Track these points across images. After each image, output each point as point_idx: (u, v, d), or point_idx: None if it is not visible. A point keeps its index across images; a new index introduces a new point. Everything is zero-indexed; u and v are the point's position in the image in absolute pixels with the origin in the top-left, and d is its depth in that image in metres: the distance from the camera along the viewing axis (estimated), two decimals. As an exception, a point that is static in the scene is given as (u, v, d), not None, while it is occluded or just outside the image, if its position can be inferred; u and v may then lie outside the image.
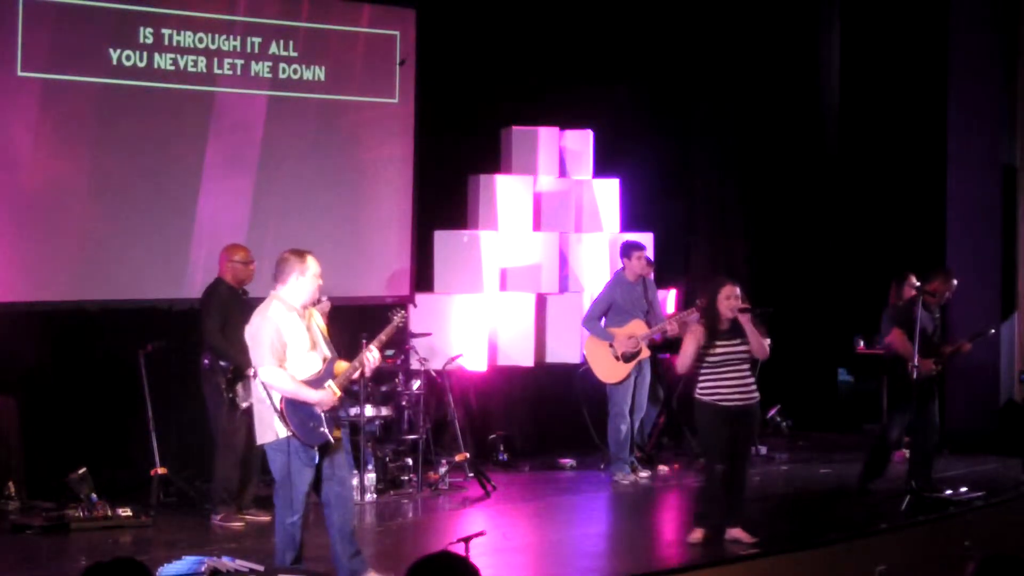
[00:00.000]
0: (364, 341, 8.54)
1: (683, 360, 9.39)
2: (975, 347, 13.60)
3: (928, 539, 9.95)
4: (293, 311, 8.02)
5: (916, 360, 10.67)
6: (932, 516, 10.30)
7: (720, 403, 9.30)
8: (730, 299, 9.28)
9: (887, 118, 15.49)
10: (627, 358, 11.84)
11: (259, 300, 8.35)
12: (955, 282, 11.29)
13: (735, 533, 9.32)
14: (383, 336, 8.26)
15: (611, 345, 11.87)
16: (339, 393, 8.03)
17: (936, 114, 14.47)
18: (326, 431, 7.94)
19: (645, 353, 11.95)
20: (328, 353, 8.11)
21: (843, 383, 15.90)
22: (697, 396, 9.40)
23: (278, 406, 7.90)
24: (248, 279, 10.30)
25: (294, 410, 7.91)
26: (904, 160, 15.31)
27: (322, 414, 7.94)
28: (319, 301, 8.27)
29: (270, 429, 7.99)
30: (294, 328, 7.99)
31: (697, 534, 9.40)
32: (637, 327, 11.91)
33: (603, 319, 12.05)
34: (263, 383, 7.94)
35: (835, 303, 15.51)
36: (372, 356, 8.17)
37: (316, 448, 7.93)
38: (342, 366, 8.17)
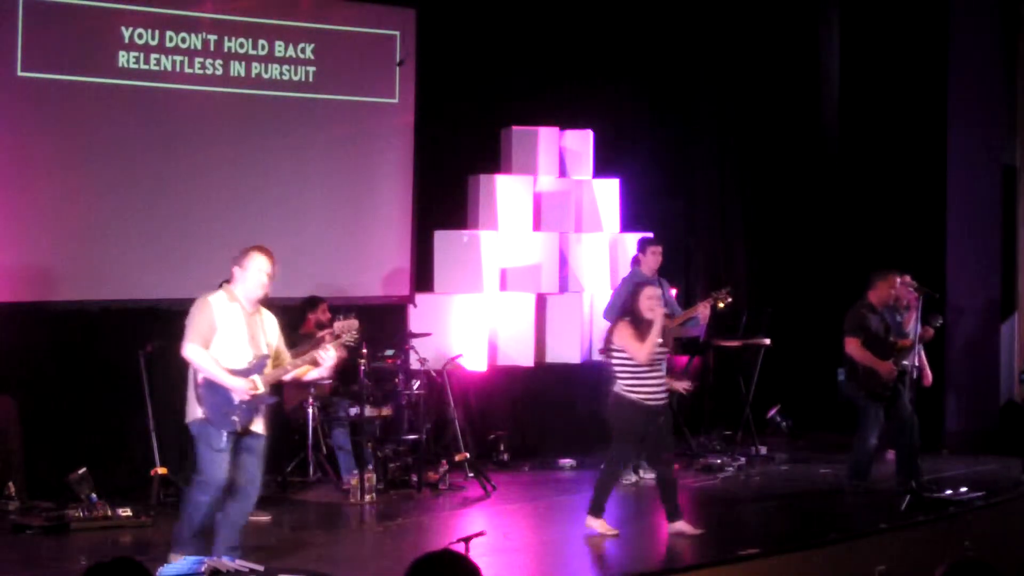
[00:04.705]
0: (327, 336, 8.61)
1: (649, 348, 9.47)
2: (975, 347, 13.61)
3: (928, 539, 9.93)
4: (236, 302, 8.17)
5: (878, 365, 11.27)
6: (932, 516, 10.29)
7: (645, 402, 9.53)
8: (651, 299, 9.54)
9: (887, 117, 15.46)
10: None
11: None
12: (898, 281, 11.33)
13: None
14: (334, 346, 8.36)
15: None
16: (260, 388, 8.13)
17: (936, 114, 14.46)
18: (237, 420, 8.07)
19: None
20: (264, 351, 8.21)
21: (843, 383, 15.84)
22: (624, 393, 9.54)
23: (197, 386, 8.07)
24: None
25: (211, 393, 8.08)
26: (904, 160, 15.28)
27: (239, 403, 8.03)
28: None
29: (191, 408, 8.20)
30: (230, 318, 8.14)
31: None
32: None
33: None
34: (188, 361, 8.13)
35: (835, 303, 15.47)
36: (328, 355, 8.25)
37: (227, 434, 8.03)
38: (282, 362, 8.28)
